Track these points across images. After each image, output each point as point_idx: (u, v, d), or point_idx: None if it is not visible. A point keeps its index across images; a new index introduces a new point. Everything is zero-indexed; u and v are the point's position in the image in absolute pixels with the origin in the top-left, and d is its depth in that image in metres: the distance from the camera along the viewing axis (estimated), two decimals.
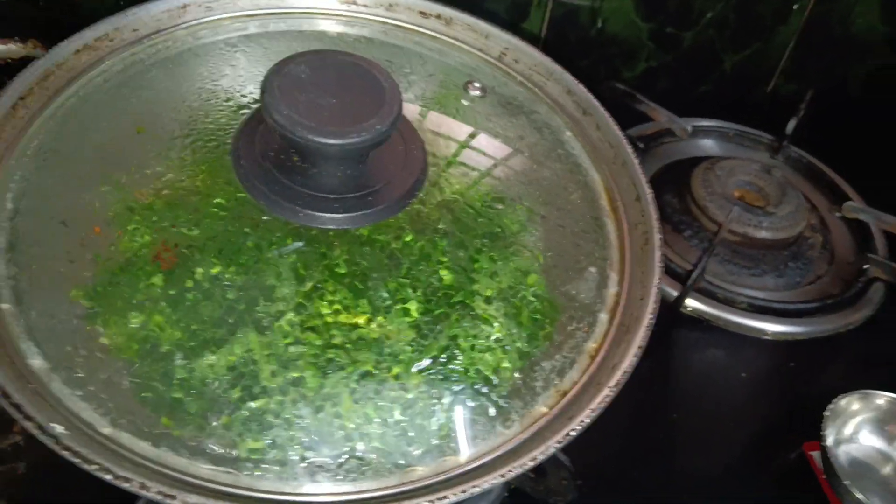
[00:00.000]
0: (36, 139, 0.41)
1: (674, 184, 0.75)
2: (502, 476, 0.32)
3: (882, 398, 0.58)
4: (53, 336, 0.34)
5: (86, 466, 0.29)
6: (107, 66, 0.45)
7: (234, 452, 0.33)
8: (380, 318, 0.36)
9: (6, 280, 0.35)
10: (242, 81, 0.44)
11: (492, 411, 0.36)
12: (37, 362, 0.33)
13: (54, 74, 0.43)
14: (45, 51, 0.62)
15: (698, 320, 0.66)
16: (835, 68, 0.94)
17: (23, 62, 0.61)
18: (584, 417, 0.34)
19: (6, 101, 0.40)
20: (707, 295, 0.66)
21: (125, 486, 0.29)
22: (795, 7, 0.86)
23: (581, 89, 0.49)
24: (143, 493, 0.29)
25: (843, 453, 0.58)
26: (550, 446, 0.33)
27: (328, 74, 0.36)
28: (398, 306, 0.36)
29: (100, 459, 0.29)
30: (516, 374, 0.37)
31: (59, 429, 0.30)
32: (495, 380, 0.37)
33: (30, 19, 0.64)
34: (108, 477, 0.29)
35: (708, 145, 0.84)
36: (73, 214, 0.38)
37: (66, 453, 0.30)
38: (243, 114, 0.41)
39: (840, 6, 0.87)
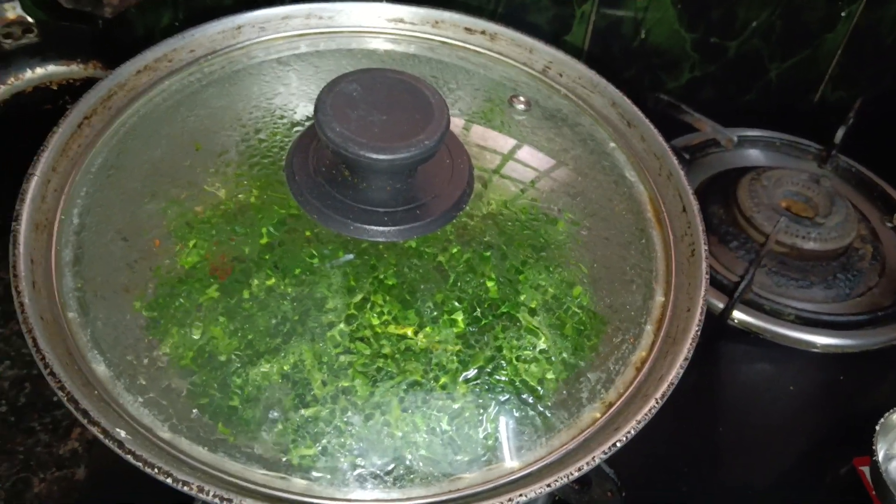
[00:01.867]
0: (100, 156, 0.43)
1: (720, 195, 0.74)
2: (548, 486, 0.32)
3: None
4: (116, 345, 0.36)
5: (147, 470, 0.31)
6: (166, 85, 0.47)
7: (287, 459, 0.34)
8: (427, 329, 0.37)
9: (73, 291, 0.37)
10: (295, 99, 0.45)
11: (537, 421, 0.36)
12: (101, 369, 0.35)
13: (116, 94, 0.45)
14: (106, 71, 0.65)
15: (745, 333, 0.65)
16: (884, 76, 0.93)
17: (84, 83, 0.64)
18: (630, 429, 0.34)
19: (73, 120, 0.42)
20: (754, 307, 0.66)
21: (184, 489, 0.30)
22: (843, 14, 0.84)
23: (625, 101, 0.50)
24: (201, 496, 0.30)
25: (894, 469, 0.56)
26: (596, 457, 0.34)
27: (378, 92, 0.37)
28: (445, 317, 0.37)
29: (161, 463, 0.31)
30: (561, 385, 0.38)
31: (122, 434, 0.32)
32: (541, 390, 0.37)
33: (89, 41, 0.67)
34: (168, 480, 0.30)
35: (754, 155, 0.83)
36: (134, 229, 0.39)
37: (129, 457, 0.31)
38: (296, 131, 0.42)
39: (889, 13, 0.86)
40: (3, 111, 0.62)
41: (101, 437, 0.31)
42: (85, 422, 0.31)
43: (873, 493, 0.54)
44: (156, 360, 0.35)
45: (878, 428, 0.54)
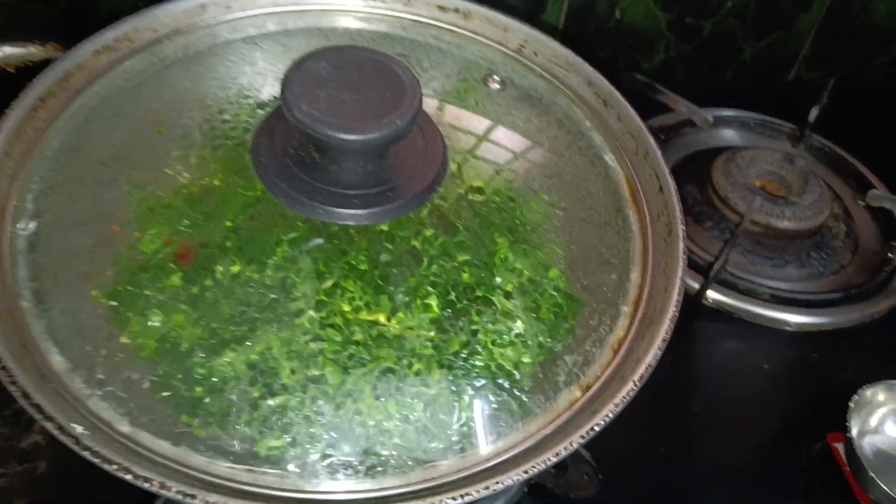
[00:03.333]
0: (56, 140, 0.41)
1: (695, 174, 0.74)
2: (525, 472, 0.32)
3: None
4: (74, 335, 0.34)
5: (106, 466, 0.29)
6: (126, 66, 0.45)
7: (254, 450, 0.33)
8: (400, 315, 0.36)
9: (27, 280, 0.35)
10: (261, 79, 0.44)
11: (514, 406, 0.36)
12: (57, 361, 0.33)
13: (74, 75, 0.43)
14: (65, 52, 0.62)
15: (720, 312, 0.65)
16: (857, 56, 0.93)
17: (43, 65, 0.62)
18: (608, 412, 0.34)
19: (27, 103, 0.40)
20: (729, 286, 0.66)
21: (145, 485, 0.29)
22: None
23: (602, 80, 0.49)
24: (164, 492, 0.29)
25: (867, 444, 0.57)
26: (574, 441, 0.33)
27: (348, 71, 0.36)
28: (419, 302, 0.36)
29: (119, 459, 0.30)
30: (538, 369, 0.37)
31: (78, 429, 0.30)
32: (517, 374, 0.36)
33: (49, 21, 0.64)
34: (128, 477, 0.29)
35: (729, 135, 0.83)
36: (93, 215, 0.38)
37: (86, 453, 0.30)
38: (262, 112, 0.41)
39: None
40: None
41: (56, 432, 0.30)
42: (39, 417, 0.30)
43: (847, 468, 0.54)
44: (116, 350, 0.34)
45: (851, 405, 0.55)
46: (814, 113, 0.81)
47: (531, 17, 0.78)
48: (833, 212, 0.73)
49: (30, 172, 0.39)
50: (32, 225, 0.37)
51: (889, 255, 0.70)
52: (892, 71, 0.94)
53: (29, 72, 0.61)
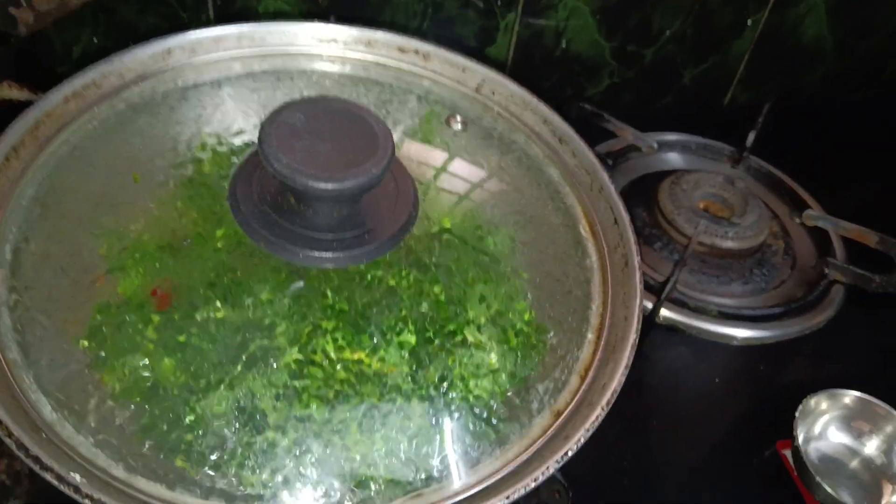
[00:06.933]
0: (30, 189, 0.41)
1: (643, 198, 0.77)
2: (507, 498, 0.34)
3: (848, 396, 0.61)
4: (62, 386, 0.35)
5: None
6: (95, 112, 0.46)
7: (246, 490, 0.34)
8: (381, 353, 0.37)
9: (11, 332, 0.36)
10: (233, 125, 0.45)
11: (491, 435, 0.38)
12: (47, 412, 0.34)
13: (44, 124, 0.44)
14: (21, 90, 0.62)
15: (672, 329, 0.68)
16: (787, 76, 0.99)
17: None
18: (580, 437, 0.36)
19: None
20: (679, 304, 0.69)
21: None
22: (749, 22, 0.89)
23: (557, 119, 0.51)
24: None
25: (813, 450, 0.60)
26: (550, 466, 0.35)
27: (322, 121, 0.38)
28: (397, 339, 0.38)
29: None
30: (512, 398, 0.39)
31: (77, 478, 0.31)
32: (493, 404, 0.38)
33: (3, 60, 0.64)
34: None
35: (673, 158, 0.87)
36: (72, 264, 0.38)
37: (86, 501, 0.30)
38: (234, 159, 0.42)
39: (790, 18, 0.91)
40: None
41: (55, 482, 0.30)
42: (37, 468, 0.31)
43: (795, 474, 0.58)
44: (104, 398, 0.35)
45: (797, 414, 0.58)
46: (751, 137, 0.86)
47: (481, 49, 0.81)
48: (772, 230, 0.77)
49: (5, 223, 0.40)
50: (11, 276, 0.38)
51: (825, 269, 0.75)
52: (821, 91, 1.00)
53: None
